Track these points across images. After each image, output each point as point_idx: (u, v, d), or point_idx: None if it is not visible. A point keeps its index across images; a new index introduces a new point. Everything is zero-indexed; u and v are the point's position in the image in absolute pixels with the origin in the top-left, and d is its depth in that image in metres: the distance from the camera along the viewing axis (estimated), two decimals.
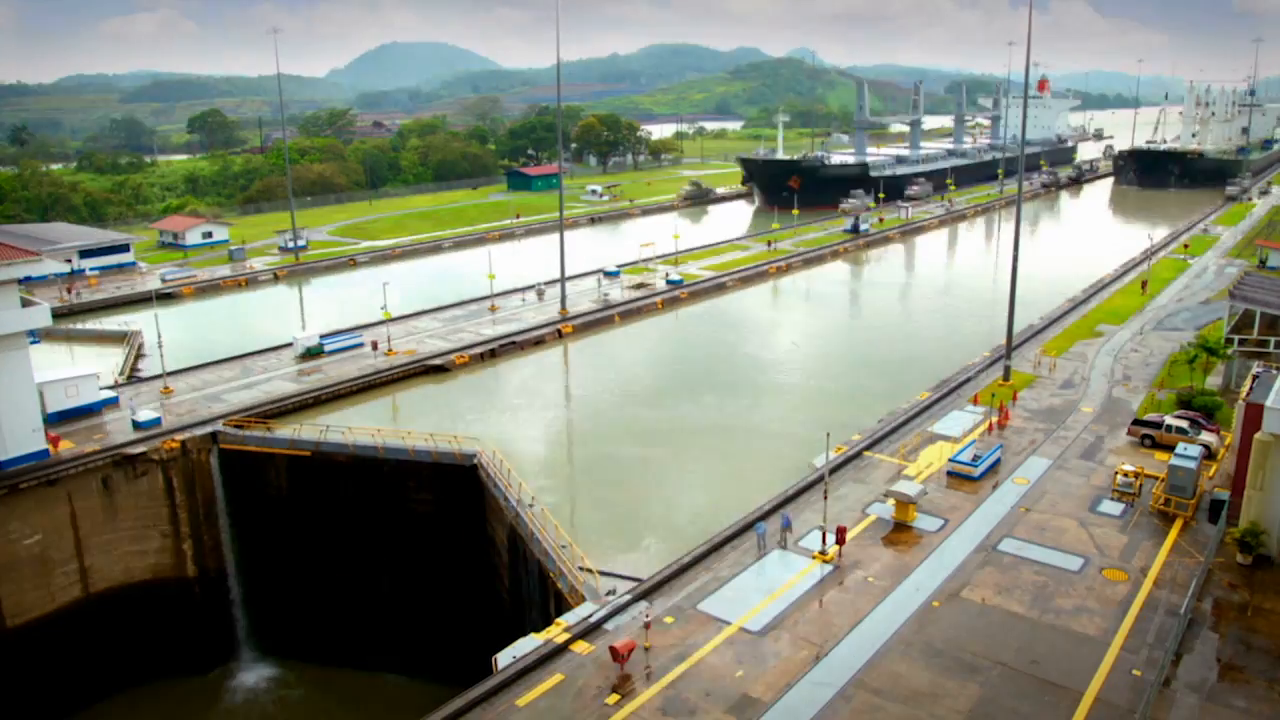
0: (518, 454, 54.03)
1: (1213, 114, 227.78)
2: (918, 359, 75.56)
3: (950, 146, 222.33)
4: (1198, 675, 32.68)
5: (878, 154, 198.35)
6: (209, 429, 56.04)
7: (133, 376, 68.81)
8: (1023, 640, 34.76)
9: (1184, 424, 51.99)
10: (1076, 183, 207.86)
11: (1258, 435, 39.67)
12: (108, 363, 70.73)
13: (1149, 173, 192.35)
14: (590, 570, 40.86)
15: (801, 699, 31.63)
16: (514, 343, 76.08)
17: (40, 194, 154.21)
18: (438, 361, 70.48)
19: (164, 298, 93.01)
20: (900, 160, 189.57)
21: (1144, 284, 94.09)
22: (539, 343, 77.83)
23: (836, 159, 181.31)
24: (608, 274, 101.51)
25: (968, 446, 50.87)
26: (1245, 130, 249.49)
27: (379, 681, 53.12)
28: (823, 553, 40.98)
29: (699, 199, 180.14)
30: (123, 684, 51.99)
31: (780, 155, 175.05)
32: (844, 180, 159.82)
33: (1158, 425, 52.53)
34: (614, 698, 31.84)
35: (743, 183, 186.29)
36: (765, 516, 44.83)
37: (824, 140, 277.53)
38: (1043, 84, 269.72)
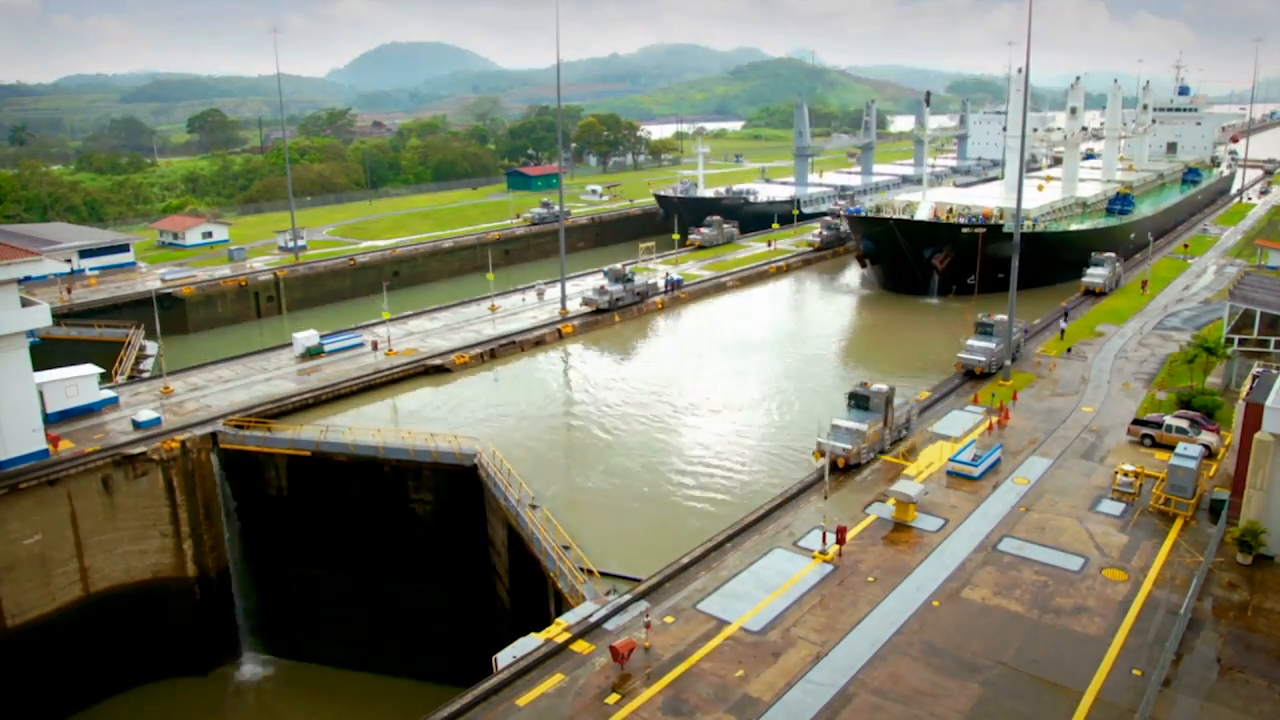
0: (517, 453, 54.00)
1: (1087, 130, 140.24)
2: None
3: (910, 170, 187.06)
4: (1198, 675, 32.68)
5: (820, 183, 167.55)
6: (209, 429, 56.04)
7: (133, 376, 68.83)
8: (1023, 640, 34.77)
9: (1184, 424, 52.00)
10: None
11: (1258, 435, 39.69)
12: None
13: (894, 265, 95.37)
14: (590, 570, 40.88)
15: (802, 699, 31.64)
16: (514, 342, 76.07)
17: (40, 194, 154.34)
18: (438, 361, 70.47)
19: (164, 298, 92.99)
20: (844, 191, 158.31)
21: (1144, 284, 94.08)
22: (539, 343, 77.81)
23: (765, 194, 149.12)
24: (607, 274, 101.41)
25: (968, 446, 50.84)
26: (1172, 147, 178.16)
27: (380, 682, 53.14)
28: (823, 552, 40.99)
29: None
30: (124, 684, 52.04)
31: (701, 191, 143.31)
32: (772, 219, 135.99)
33: (1158, 425, 52.56)
34: (614, 697, 31.85)
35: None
36: (766, 516, 44.89)
37: (825, 138, 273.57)
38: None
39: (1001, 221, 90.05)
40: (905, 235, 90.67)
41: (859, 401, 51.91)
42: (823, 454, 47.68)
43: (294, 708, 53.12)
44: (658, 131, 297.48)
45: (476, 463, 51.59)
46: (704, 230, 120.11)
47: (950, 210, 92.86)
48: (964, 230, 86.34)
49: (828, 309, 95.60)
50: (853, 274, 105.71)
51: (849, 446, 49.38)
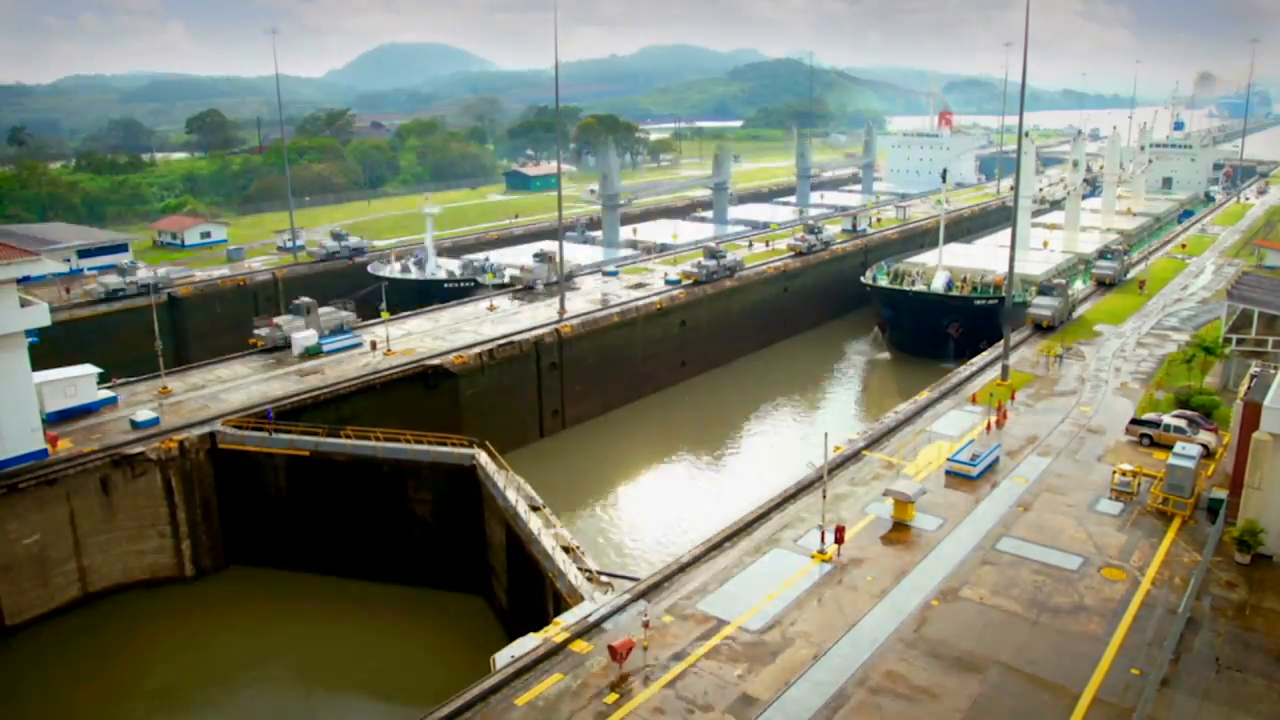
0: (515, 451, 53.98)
1: (1090, 180, 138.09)
2: None
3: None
4: (1196, 674, 32.70)
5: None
6: (207, 429, 55.98)
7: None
8: (1021, 639, 34.79)
9: (1182, 423, 52.07)
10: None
11: (1255, 434, 39.74)
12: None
13: (912, 332, 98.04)
14: (590, 572, 40.86)
15: (800, 698, 31.65)
16: (512, 342, 76.02)
17: (39, 194, 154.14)
18: (436, 361, 70.42)
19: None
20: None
21: (1142, 284, 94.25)
22: (538, 343, 77.72)
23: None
24: (606, 273, 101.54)
25: (966, 446, 50.91)
26: (1168, 182, 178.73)
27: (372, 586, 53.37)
28: (822, 552, 41.01)
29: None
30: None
31: (430, 269, 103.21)
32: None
33: (1156, 424, 52.62)
34: (613, 697, 31.84)
35: None
36: (765, 515, 44.89)
37: (822, 139, 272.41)
38: (945, 117, 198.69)
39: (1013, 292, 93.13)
40: (922, 306, 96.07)
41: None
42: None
43: (279, 608, 53.10)
44: (656, 132, 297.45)
45: (475, 463, 51.60)
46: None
47: (965, 279, 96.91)
48: (977, 303, 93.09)
49: (849, 372, 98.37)
50: (871, 338, 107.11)
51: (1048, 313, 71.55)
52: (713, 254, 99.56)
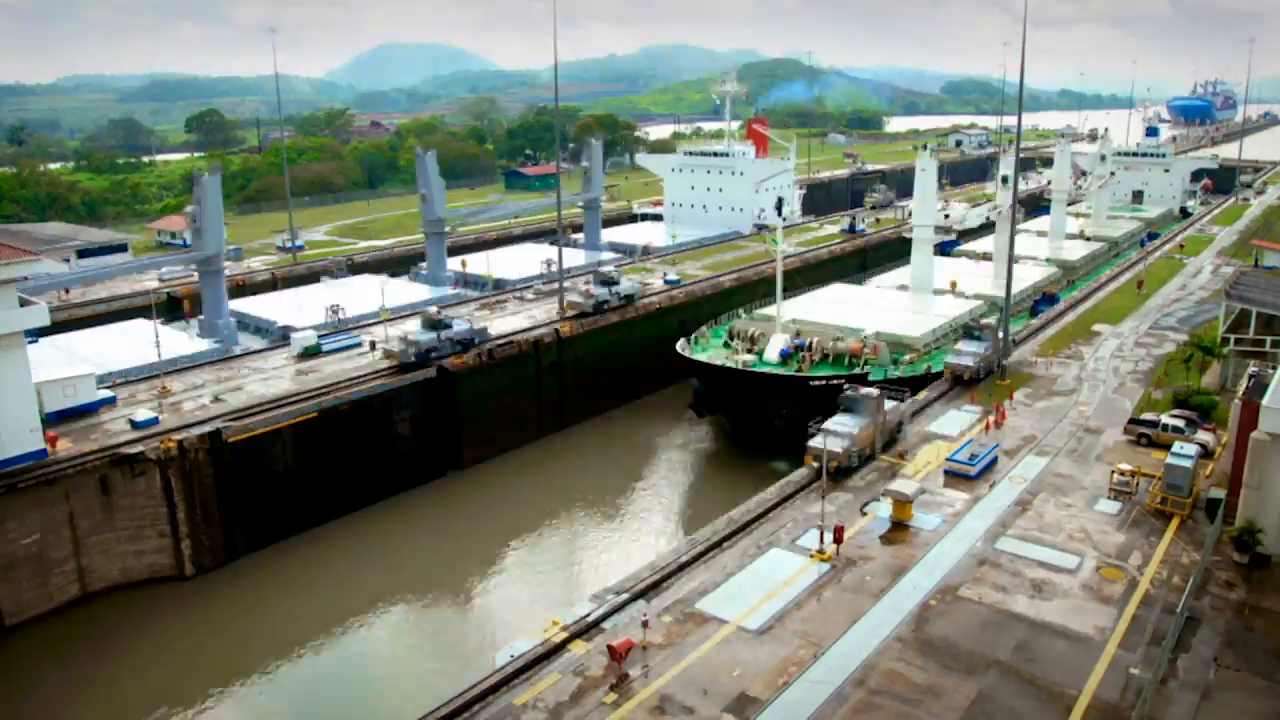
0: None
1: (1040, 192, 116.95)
2: None
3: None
4: (1195, 674, 32.75)
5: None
6: (207, 428, 55.99)
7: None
8: (1019, 639, 34.84)
9: (1180, 423, 52.15)
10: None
11: (1253, 434, 39.80)
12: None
13: (731, 417, 72.61)
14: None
15: (799, 698, 31.69)
16: (512, 342, 75.99)
17: (39, 194, 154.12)
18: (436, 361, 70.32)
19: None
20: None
21: (1140, 284, 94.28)
22: (537, 343, 77.68)
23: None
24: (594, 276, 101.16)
25: (965, 445, 50.96)
26: (1138, 196, 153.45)
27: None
28: (820, 551, 41.06)
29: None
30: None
31: None
32: None
33: (1154, 424, 52.68)
34: (612, 696, 31.89)
35: None
36: (764, 515, 44.91)
37: (820, 141, 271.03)
38: (754, 129, 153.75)
39: (871, 363, 67.76)
40: (742, 385, 67.46)
41: (850, 405, 51.49)
42: (815, 459, 47.59)
43: (283, 593, 54.20)
44: (655, 132, 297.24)
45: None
46: None
47: (811, 345, 68.77)
48: (813, 384, 64.84)
49: (655, 472, 69.70)
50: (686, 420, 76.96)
51: (838, 450, 47.82)
52: (604, 280, 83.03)
